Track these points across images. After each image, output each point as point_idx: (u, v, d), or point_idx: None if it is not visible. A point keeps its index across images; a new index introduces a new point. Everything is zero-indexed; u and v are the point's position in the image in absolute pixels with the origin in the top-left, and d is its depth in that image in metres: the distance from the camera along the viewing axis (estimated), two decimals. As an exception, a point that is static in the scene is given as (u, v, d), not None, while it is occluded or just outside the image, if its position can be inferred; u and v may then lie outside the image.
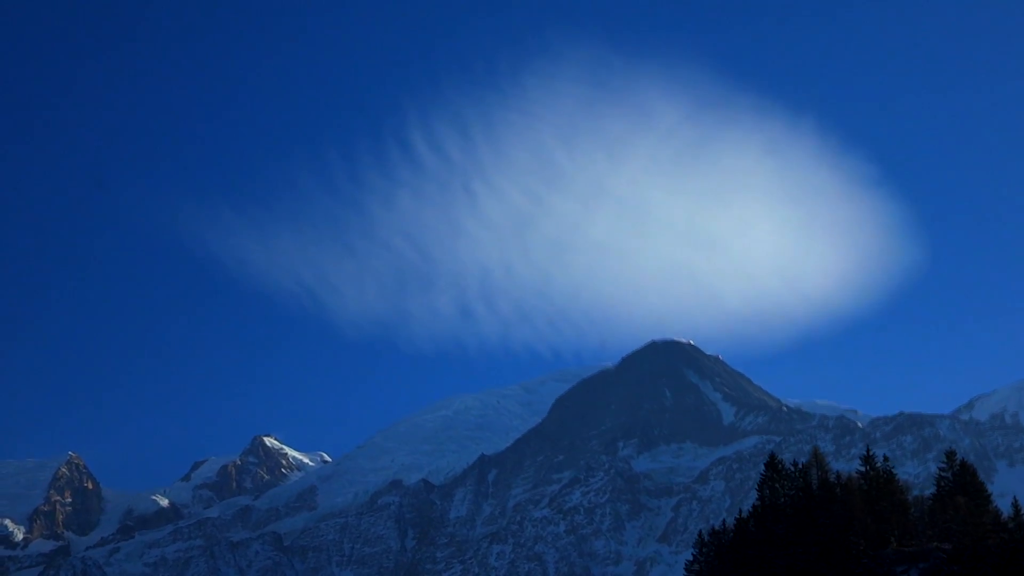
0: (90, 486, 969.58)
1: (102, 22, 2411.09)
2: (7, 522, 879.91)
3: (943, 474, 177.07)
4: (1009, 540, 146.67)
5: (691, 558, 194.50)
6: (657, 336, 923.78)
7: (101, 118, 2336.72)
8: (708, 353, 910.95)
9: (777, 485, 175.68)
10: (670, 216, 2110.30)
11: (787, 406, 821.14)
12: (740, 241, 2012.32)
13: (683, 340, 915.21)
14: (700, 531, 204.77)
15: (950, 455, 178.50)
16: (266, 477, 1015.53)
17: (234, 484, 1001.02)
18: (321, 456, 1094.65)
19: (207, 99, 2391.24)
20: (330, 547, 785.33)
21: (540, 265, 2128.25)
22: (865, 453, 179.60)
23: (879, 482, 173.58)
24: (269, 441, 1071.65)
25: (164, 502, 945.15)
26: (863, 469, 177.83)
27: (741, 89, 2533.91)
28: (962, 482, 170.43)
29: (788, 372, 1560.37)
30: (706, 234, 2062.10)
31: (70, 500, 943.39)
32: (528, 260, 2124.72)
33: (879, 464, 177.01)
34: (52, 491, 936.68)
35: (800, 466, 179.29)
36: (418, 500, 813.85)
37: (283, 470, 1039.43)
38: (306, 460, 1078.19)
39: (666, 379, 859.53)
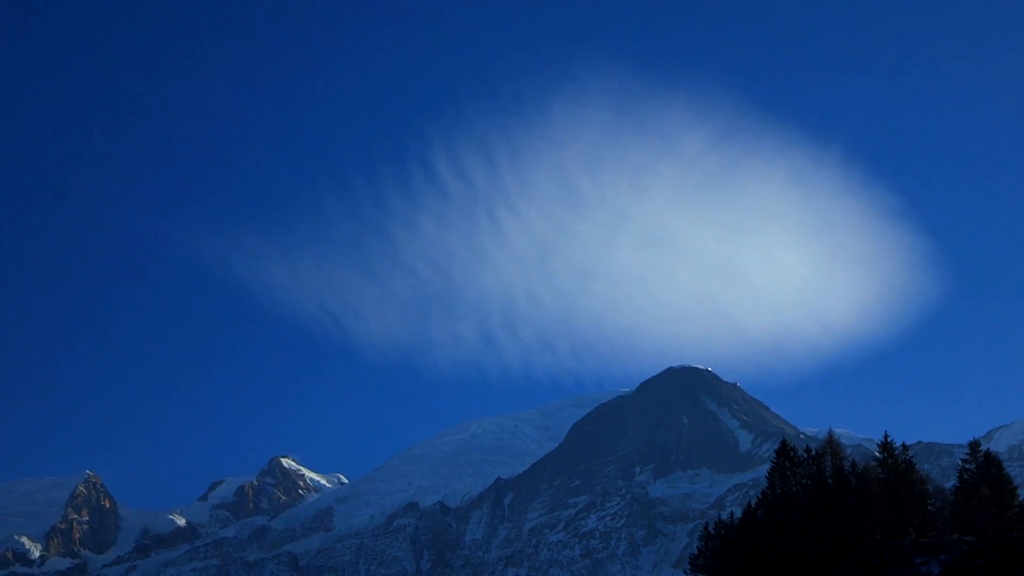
0: (107, 504, 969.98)
1: (124, 48, 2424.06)
2: (24, 540, 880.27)
3: (966, 466, 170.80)
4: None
5: (695, 551, 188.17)
6: (676, 363, 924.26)
7: (125, 144, 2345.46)
8: (726, 380, 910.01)
9: (788, 473, 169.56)
10: (694, 245, 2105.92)
11: (805, 434, 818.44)
12: (763, 271, 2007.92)
13: (701, 366, 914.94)
14: (706, 523, 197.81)
15: (973, 445, 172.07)
16: (283, 498, 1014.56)
17: (251, 504, 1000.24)
18: (338, 477, 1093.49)
19: (231, 124, 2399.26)
20: (346, 568, 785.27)
21: (563, 293, 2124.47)
22: (883, 439, 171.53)
23: (897, 471, 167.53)
24: (286, 462, 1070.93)
25: (181, 521, 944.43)
26: (880, 457, 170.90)
27: (766, 118, 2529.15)
28: (986, 474, 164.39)
29: (807, 401, 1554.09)
30: (730, 264, 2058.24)
31: (87, 518, 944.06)
32: (551, 288, 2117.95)
33: (897, 452, 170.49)
34: (69, 509, 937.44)
35: (814, 453, 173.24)
36: (434, 522, 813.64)
37: (300, 491, 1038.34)
38: (323, 481, 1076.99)
39: (683, 405, 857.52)
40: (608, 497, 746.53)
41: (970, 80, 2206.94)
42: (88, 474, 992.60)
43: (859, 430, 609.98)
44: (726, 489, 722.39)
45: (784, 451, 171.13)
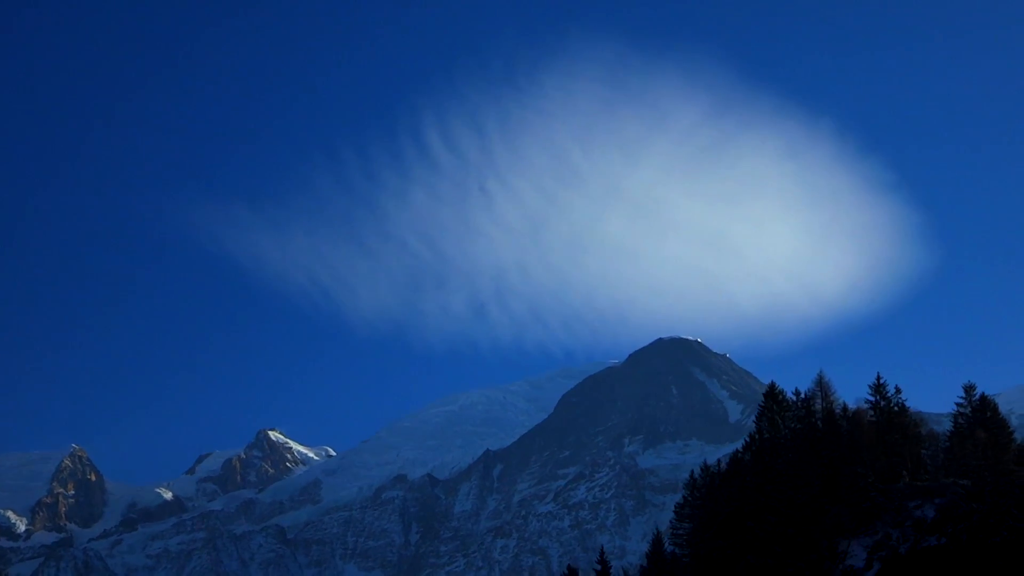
0: (93, 478, 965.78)
1: (117, 22, 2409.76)
2: (9, 514, 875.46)
3: (961, 410, 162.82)
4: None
5: (680, 501, 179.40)
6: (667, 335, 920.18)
7: (118, 118, 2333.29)
8: (716, 351, 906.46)
9: (777, 417, 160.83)
10: (686, 218, 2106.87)
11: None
12: (755, 244, 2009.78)
13: (690, 338, 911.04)
14: (691, 472, 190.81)
15: (968, 389, 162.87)
16: (270, 471, 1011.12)
17: (238, 477, 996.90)
18: (326, 450, 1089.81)
19: (223, 98, 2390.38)
20: (334, 540, 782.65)
21: (555, 266, 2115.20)
22: (875, 382, 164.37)
23: (890, 413, 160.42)
24: (274, 435, 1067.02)
25: (168, 495, 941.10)
26: (873, 399, 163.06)
27: (760, 91, 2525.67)
28: (982, 418, 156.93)
29: (797, 372, 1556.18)
30: (722, 236, 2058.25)
31: (73, 492, 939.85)
32: (543, 261, 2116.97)
33: (890, 394, 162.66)
34: (55, 483, 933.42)
35: (803, 396, 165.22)
36: (423, 494, 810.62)
37: (288, 464, 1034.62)
38: (311, 454, 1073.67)
39: (673, 376, 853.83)
40: (597, 468, 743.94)
41: (963, 55, 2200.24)
42: (74, 448, 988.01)
43: (849, 399, 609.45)
44: (716, 459, 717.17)
45: (772, 394, 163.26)
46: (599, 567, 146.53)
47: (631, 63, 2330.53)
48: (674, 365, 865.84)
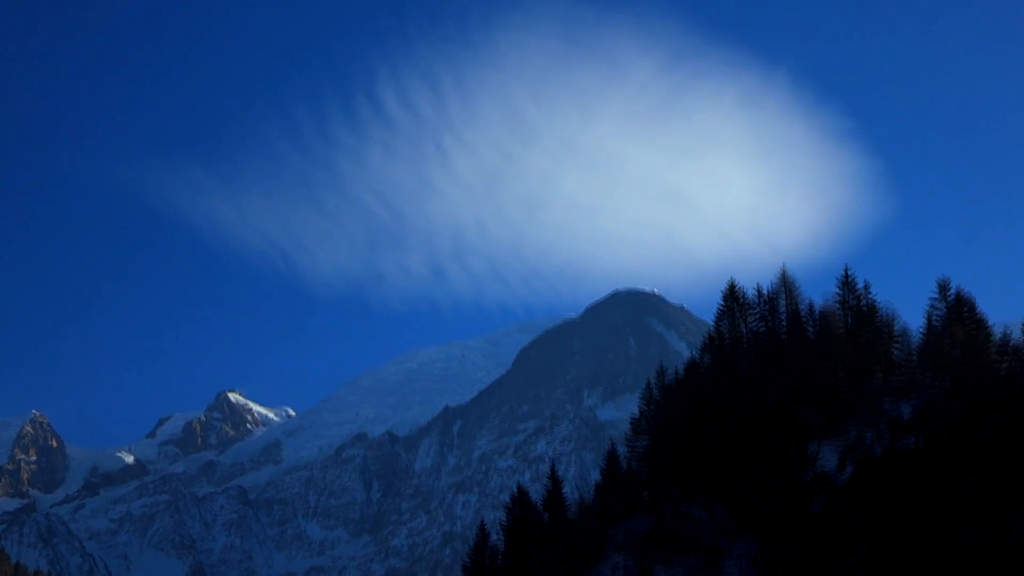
0: (55, 444, 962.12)
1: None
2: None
3: (935, 306, 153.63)
4: (1022, 368, 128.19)
5: (636, 414, 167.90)
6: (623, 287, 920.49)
7: (66, 77, 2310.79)
8: (673, 303, 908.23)
9: (738, 319, 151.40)
10: (642, 171, 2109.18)
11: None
12: (712, 196, 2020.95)
13: (647, 289, 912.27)
14: (648, 380, 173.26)
15: (943, 285, 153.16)
16: (231, 432, 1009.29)
17: (199, 440, 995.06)
18: (286, 411, 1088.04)
19: (175, 55, 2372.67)
20: (295, 500, 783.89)
21: (512, 222, 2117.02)
22: (843, 276, 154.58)
23: (860, 310, 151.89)
24: (234, 397, 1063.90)
25: (129, 459, 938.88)
26: (840, 294, 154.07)
27: (715, 42, 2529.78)
28: (959, 315, 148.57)
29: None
30: (679, 189, 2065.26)
31: (35, 458, 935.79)
32: (500, 218, 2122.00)
33: (859, 290, 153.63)
34: (16, 449, 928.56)
35: (766, 294, 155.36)
36: (383, 452, 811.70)
37: (248, 425, 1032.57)
38: (271, 415, 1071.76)
39: (630, 328, 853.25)
40: (557, 422, 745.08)
41: (921, 2, 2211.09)
42: (34, 414, 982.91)
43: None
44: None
45: (732, 293, 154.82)
46: (550, 485, 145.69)
47: (585, 16, 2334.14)
48: (631, 317, 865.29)
